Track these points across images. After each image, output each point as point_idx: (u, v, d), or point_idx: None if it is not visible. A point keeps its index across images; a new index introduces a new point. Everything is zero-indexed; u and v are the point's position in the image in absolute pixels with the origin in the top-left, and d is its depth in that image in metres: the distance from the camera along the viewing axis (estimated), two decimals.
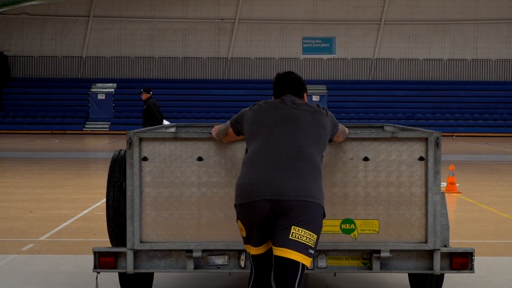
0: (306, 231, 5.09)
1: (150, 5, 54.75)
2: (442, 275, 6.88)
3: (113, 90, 53.79)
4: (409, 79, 55.35)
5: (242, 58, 55.34)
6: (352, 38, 55.13)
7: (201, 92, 53.61)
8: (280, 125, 5.37)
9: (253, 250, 5.33)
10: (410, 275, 7.44)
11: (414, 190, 6.32)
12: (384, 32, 55.15)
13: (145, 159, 6.34)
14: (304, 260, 5.07)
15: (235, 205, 5.35)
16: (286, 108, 5.46)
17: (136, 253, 6.39)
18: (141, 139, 6.34)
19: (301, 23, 54.89)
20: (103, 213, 12.79)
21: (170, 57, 55.11)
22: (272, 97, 5.79)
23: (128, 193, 6.32)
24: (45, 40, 55.05)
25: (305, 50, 55.04)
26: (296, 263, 5.03)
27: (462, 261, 6.41)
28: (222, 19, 54.97)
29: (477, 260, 8.65)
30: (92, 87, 53.99)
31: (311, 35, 55.00)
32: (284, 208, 5.08)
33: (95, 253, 6.40)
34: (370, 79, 55.43)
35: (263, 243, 5.28)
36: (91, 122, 52.04)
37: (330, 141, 5.73)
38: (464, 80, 55.41)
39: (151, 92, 21.52)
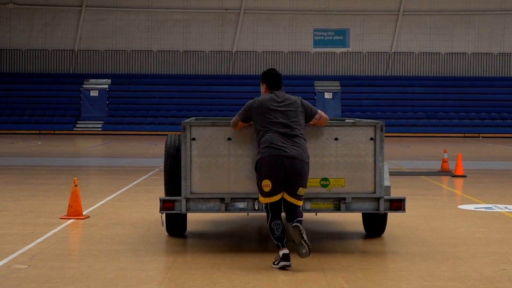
0: (304, 189, 8.76)
1: None
2: (385, 215, 10.31)
3: (107, 86, 50.47)
4: (430, 75, 52.18)
5: (248, 51, 52.23)
6: (368, 30, 52.06)
7: (203, 89, 50.48)
8: (279, 117, 8.77)
9: (275, 198, 8.64)
10: (363, 217, 10.67)
11: (367, 159, 9.52)
12: (403, 23, 52.03)
13: (193, 139, 9.45)
14: (300, 203, 8.72)
15: (260, 159, 8.67)
16: (280, 105, 8.85)
17: (187, 200, 9.43)
18: (191, 126, 9.44)
19: (312, 14, 51.87)
20: (27, 266, 8.45)
21: (169, 51, 52.01)
22: (264, 86, 9.09)
23: (182, 161, 9.42)
24: (34, 32, 51.92)
25: (317, 43, 51.97)
26: (298, 205, 8.68)
27: (398, 204, 9.59)
28: (226, 9, 51.88)
29: None
30: (84, 83, 50.80)
31: (323, 26, 51.99)
32: (295, 169, 8.63)
33: (160, 200, 9.47)
34: (388, 74, 52.32)
35: (280, 192, 8.65)
36: (82, 122, 48.29)
37: (311, 119, 9.12)
38: (490, 75, 52.24)
39: None
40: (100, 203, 13.82)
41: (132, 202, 14.03)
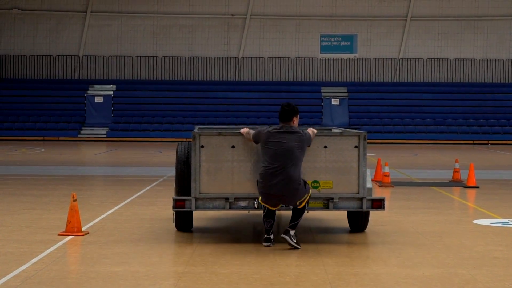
0: (302, 200, 10.44)
1: None
2: (368, 212, 11.58)
3: (112, 92, 49.81)
4: (438, 81, 51.41)
5: (254, 57, 51.56)
6: (375, 36, 51.39)
7: (209, 95, 49.74)
8: (279, 149, 10.36)
9: (270, 208, 10.56)
10: (348, 215, 11.97)
11: (352, 164, 10.86)
12: (411, 29, 51.33)
13: (202, 146, 10.79)
14: (301, 206, 10.51)
15: (258, 187, 10.55)
16: (283, 138, 10.41)
17: (197, 199, 10.82)
18: (200, 135, 10.79)
19: (319, 19, 51.24)
20: None
21: (175, 56, 51.37)
22: (279, 116, 10.75)
23: (192, 166, 10.77)
24: (39, 37, 51.37)
25: (324, 49, 51.33)
26: (302, 208, 10.56)
27: (378, 203, 10.95)
28: (232, 15, 51.26)
29: None
30: (89, 89, 50.20)
31: (330, 32, 51.35)
32: (288, 197, 10.36)
33: (173, 199, 10.83)
34: (395, 80, 51.55)
35: (274, 207, 10.60)
36: (87, 128, 47.73)
37: (309, 143, 10.68)
38: (499, 81, 51.40)
39: None
40: (101, 217, 13.30)
41: (134, 217, 13.49)
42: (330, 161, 10.83)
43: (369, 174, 11.18)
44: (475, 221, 13.30)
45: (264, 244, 10.50)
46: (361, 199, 10.89)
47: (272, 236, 10.54)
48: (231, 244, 10.80)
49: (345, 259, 9.87)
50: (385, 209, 11.05)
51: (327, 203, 10.88)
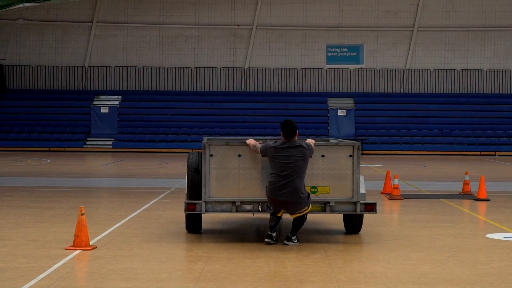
0: (302, 211, 11.67)
1: (160, 10, 50.69)
2: (361, 215, 12.67)
3: (117, 103, 49.70)
4: (445, 92, 51.26)
5: (260, 68, 51.44)
6: (382, 46, 51.23)
7: (215, 106, 49.59)
8: (285, 162, 11.52)
9: (277, 213, 11.77)
10: (344, 217, 13.07)
11: (347, 171, 11.92)
12: (417, 39, 51.17)
13: (211, 155, 11.84)
14: (301, 214, 11.69)
15: (266, 192, 11.70)
16: (286, 151, 11.57)
17: (206, 203, 11.84)
18: (210, 145, 11.85)
19: (325, 30, 51.16)
20: None
21: (181, 67, 51.27)
22: (282, 134, 11.81)
23: (202, 173, 11.82)
24: (44, 48, 51.36)
25: (330, 60, 51.25)
26: (302, 216, 11.76)
27: (371, 207, 11.99)
28: (238, 25, 51.13)
29: None
30: (94, 99, 50.15)
31: (336, 43, 51.26)
32: (292, 205, 11.56)
33: (185, 203, 11.86)
34: (402, 91, 51.43)
35: (280, 211, 11.81)
36: (92, 139, 47.59)
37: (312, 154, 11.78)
38: (506, 93, 51.27)
39: None
40: (109, 231, 13.09)
41: (141, 230, 13.28)
42: (327, 168, 11.94)
43: (362, 180, 12.24)
44: (488, 235, 13.08)
45: (266, 240, 11.73)
46: (355, 203, 11.95)
47: (274, 234, 11.74)
48: (241, 259, 10.58)
49: (358, 275, 9.65)
50: (376, 212, 12.13)
51: (324, 206, 11.95)
